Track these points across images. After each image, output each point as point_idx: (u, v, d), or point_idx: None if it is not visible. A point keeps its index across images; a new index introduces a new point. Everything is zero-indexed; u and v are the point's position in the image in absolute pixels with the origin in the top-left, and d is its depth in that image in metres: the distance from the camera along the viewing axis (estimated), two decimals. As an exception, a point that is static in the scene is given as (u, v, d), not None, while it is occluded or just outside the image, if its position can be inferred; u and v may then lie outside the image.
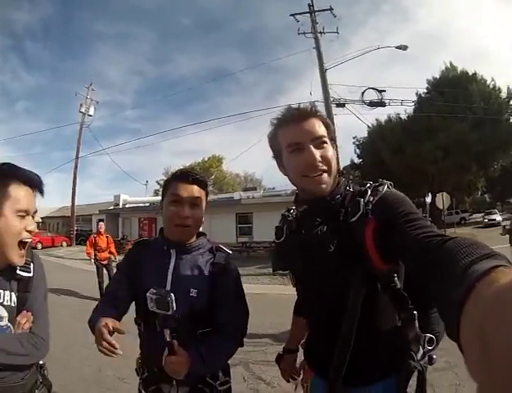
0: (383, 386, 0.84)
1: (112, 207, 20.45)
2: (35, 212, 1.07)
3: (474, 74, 19.37)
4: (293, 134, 0.88)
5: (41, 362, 1.18)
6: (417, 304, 0.79)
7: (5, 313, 1.08)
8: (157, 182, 34.95)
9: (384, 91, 12.99)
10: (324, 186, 0.87)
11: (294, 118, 0.89)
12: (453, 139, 16.33)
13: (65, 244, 20.68)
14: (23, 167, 1.07)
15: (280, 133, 0.91)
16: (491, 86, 19.23)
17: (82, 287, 7.17)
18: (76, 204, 21.83)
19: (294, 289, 1.10)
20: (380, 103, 12.79)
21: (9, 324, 1.09)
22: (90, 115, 22.63)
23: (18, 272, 1.10)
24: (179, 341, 0.98)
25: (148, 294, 1.00)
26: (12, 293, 1.11)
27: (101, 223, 7.11)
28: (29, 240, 1.05)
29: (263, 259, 11.16)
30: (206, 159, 33.51)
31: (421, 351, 0.78)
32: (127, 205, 20.15)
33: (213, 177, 31.98)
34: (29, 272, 1.12)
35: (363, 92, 12.75)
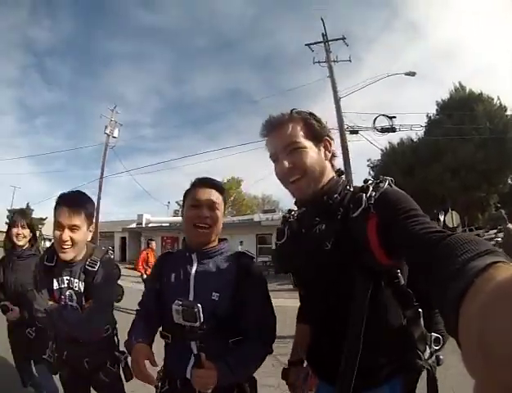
0: (390, 386, 0.81)
1: (135, 225, 21.48)
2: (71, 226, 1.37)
3: (480, 94, 20.15)
4: (269, 145, 0.94)
5: (117, 353, 1.53)
6: (422, 302, 0.79)
7: (75, 297, 1.39)
8: (177, 202, 35.99)
9: (395, 117, 13.84)
10: (301, 191, 0.90)
11: (269, 128, 0.92)
12: (460, 160, 17.05)
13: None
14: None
15: (266, 143, 0.96)
16: (497, 105, 20.01)
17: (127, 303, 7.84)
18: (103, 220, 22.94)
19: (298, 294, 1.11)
20: (391, 129, 13.64)
21: (77, 305, 1.40)
22: (114, 137, 23.90)
23: (86, 266, 1.41)
24: (210, 352, 0.98)
25: (174, 305, 0.99)
26: (80, 282, 1.40)
27: (153, 241, 7.70)
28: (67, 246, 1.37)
29: (283, 277, 11.77)
30: (225, 181, 34.45)
31: (428, 351, 0.79)
32: (149, 225, 21.11)
33: (231, 198, 32.87)
34: (94, 268, 1.41)
35: (375, 119, 13.60)
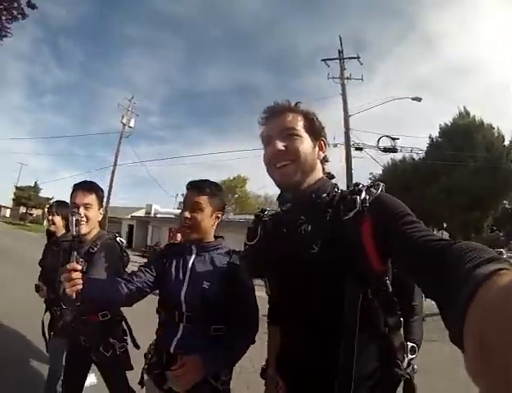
0: None
1: (143, 214, 22.51)
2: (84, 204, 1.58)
3: (481, 123, 21.30)
4: (266, 130, 0.91)
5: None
6: (402, 311, 0.81)
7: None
8: (182, 195, 36.96)
9: (398, 138, 14.96)
10: (287, 176, 0.86)
11: (268, 115, 0.90)
12: (455, 183, 18.20)
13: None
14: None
15: (260, 131, 0.93)
16: (495, 134, 21.15)
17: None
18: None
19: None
20: (393, 149, 14.74)
21: None
22: (130, 127, 24.88)
23: (89, 249, 1.59)
24: (192, 333, 1.17)
25: None
26: (84, 263, 1.48)
27: (179, 234, 8.18)
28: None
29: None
30: (232, 178, 35.23)
31: (406, 360, 0.81)
32: (157, 215, 22.16)
33: (236, 196, 33.52)
34: (94, 250, 1.57)
35: (379, 139, 14.71)
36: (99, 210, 1.68)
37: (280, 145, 0.85)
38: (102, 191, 1.73)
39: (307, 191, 0.87)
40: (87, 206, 1.59)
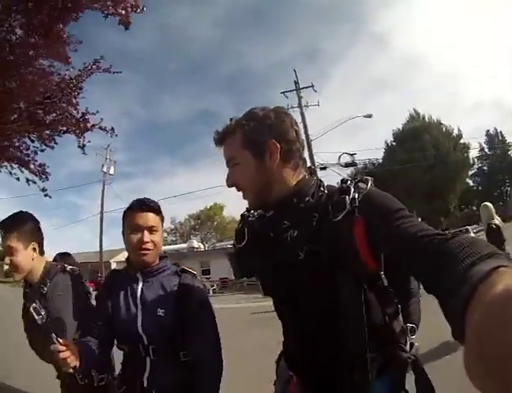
0: (382, 382, 0.77)
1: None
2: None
3: (429, 123, 24.07)
4: (223, 156, 0.91)
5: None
6: (398, 295, 0.80)
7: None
8: (165, 230, 37.33)
9: (355, 153, 17.10)
10: (250, 203, 0.89)
11: (215, 143, 0.90)
12: (411, 182, 20.74)
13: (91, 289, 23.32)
14: None
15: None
16: (443, 130, 24.03)
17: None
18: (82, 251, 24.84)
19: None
20: (353, 164, 16.90)
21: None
22: (111, 174, 26.03)
23: (40, 289, 1.36)
24: (163, 365, 1.15)
25: None
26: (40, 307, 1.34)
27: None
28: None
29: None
30: (208, 207, 35.02)
31: (408, 342, 0.82)
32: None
33: (215, 223, 33.90)
34: (45, 290, 1.35)
35: (339, 157, 16.80)
36: (26, 249, 1.36)
37: (229, 181, 0.87)
38: (30, 223, 1.42)
39: (287, 197, 0.82)
40: (7, 251, 1.35)
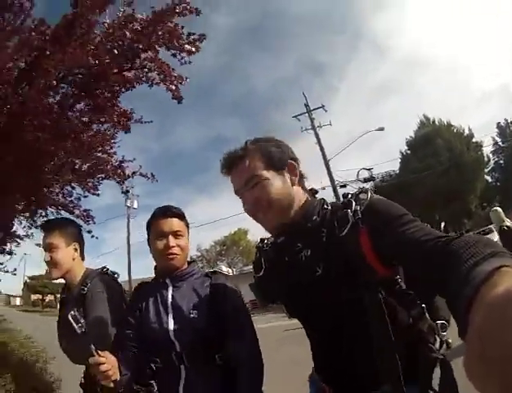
0: (409, 385, 0.74)
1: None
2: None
3: (440, 126, 23.93)
4: (233, 184, 0.92)
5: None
6: (423, 295, 0.79)
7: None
8: (191, 258, 37.28)
9: (372, 168, 17.61)
10: (270, 224, 0.88)
11: (227, 166, 0.91)
12: (428, 189, 20.77)
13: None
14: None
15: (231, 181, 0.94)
16: (454, 131, 24.01)
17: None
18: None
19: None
20: (371, 178, 17.39)
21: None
22: (135, 208, 27.03)
23: (81, 292, 1.34)
24: (199, 371, 1.09)
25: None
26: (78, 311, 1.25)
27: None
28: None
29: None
30: (233, 233, 35.08)
31: (438, 340, 0.80)
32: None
33: (241, 248, 34.10)
34: (84, 291, 1.33)
35: (358, 172, 17.31)
36: (67, 247, 1.40)
37: (250, 199, 0.87)
38: (72, 227, 1.49)
39: (295, 219, 0.87)
40: (51, 249, 1.38)
